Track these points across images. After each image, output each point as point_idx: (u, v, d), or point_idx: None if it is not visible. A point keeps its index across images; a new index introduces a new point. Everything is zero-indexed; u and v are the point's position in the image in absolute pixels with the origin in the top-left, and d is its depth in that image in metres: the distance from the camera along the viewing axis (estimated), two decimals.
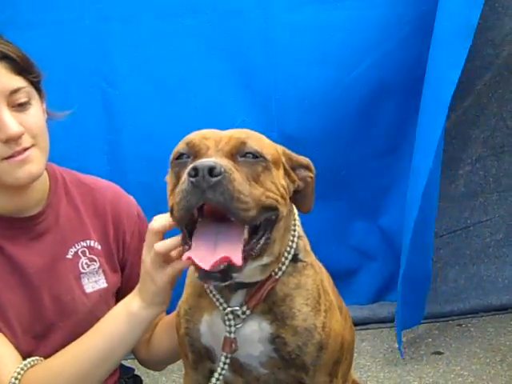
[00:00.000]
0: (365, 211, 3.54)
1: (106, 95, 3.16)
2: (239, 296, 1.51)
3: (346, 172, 3.45)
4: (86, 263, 1.74)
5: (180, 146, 1.40)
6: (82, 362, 1.58)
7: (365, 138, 3.42)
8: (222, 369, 1.52)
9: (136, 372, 2.03)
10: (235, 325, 1.49)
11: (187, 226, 1.36)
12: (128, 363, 2.05)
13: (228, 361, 1.51)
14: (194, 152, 1.37)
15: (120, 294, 1.82)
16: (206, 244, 1.30)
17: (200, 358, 1.61)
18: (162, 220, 1.48)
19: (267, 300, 1.51)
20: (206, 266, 1.26)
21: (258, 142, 1.38)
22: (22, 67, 1.57)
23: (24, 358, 1.62)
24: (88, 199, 1.78)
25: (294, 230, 1.53)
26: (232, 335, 1.49)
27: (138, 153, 3.14)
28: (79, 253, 1.74)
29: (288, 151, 1.49)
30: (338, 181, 3.44)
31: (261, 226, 1.36)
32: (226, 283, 1.32)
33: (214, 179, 1.24)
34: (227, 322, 1.50)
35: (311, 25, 3.24)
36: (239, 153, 1.34)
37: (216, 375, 1.53)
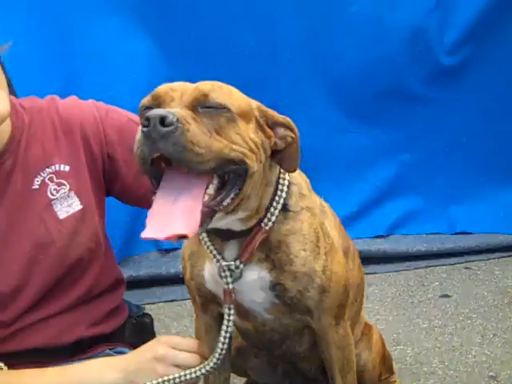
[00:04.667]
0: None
1: None
2: (232, 247, 1.44)
3: None
4: (55, 189, 1.62)
5: (146, 98, 1.30)
6: None
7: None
8: (228, 320, 1.47)
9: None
10: (232, 277, 1.42)
11: (156, 176, 1.27)
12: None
13: (232, 311, 1.46)
14: (157, 103, 1.27)
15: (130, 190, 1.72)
16: (164, 206, 1.23)
17: (207, 301, 1.56)
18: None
19: (262, 249, 1.43)
20: (161, 236, 1.20)
21: (223, 93, 1.28)
22: None
23: (8, 300, 1.57)
24: (47, 120, 1.65)
25: (282, 184, 1.43)
26: (230, 286, 1.43)
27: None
28: (46, 180, 1.62)
29: (264, 108, 1.36)
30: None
31: (229, 180, 1.27)
32: (184, 240, 1.28)
33: (165, 129, 1.17)
34: (223, 275, 1.43)
35: None
36: (200, 104, 1.24)
37: (224, 328, 1.48)
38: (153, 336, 1.91)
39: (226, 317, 1.47)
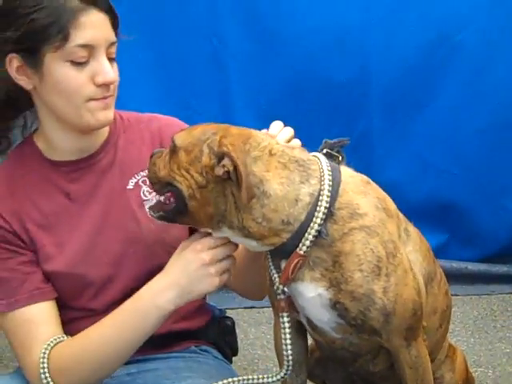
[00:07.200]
0: None
1: (216, 50, 3.21)
2: (283, 265, 1.47)
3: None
4: (148, 191, 1.69)
5: None
6: (107, 349, 1.56)
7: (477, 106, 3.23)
8: (284, 328, 1.50)
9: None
10: (283, 294, 1.47)
11: None
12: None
13: (286, 319, 1.50)
14: None
15: None
16: None
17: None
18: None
19: (316, 268, 1.44)
20: None
21: (186, 130, 1.49)
22: (117, 24, 1.61)
23: (99, 288, 1.65)
24: (146, 132, 1.76)
25: (318, 211, 1.40)
26: (281, 296, 1.48)
27: (246, 100, 3.18)
28: (140, 182, 1.70)
29: (217, 140, 1.40)
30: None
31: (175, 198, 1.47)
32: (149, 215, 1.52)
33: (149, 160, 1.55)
34: (276, 289, 1.48)
35: None
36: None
37: (282, 335, 1.51)
38: (235, 338, 1.93)
39: (281, 325, 1.50)
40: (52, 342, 1.57)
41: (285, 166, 1.41)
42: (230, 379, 1.55)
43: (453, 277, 3.17)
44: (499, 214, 3.37)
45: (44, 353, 1.55)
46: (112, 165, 1.70)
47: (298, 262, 1.42)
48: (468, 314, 3.05)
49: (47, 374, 1.54)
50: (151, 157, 1.52)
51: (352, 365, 1.62)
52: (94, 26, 1.54)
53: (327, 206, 1.41)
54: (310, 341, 1.68)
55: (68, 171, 1.67)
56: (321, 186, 1.42)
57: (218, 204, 1.41)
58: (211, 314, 1.86)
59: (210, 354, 1.78)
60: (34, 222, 1.63)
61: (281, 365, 1.60)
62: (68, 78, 1.55)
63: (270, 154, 1.42)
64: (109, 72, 1.56)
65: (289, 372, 1.53)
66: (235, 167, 1.36)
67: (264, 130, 1.52)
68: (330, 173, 1.44)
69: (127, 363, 1.66)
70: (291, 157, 1.43)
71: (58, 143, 1.66)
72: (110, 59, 1.59)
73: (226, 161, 1.37)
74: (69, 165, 1.67)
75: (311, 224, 1.40)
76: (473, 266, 3.37)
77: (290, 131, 1.54)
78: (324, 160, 1.47)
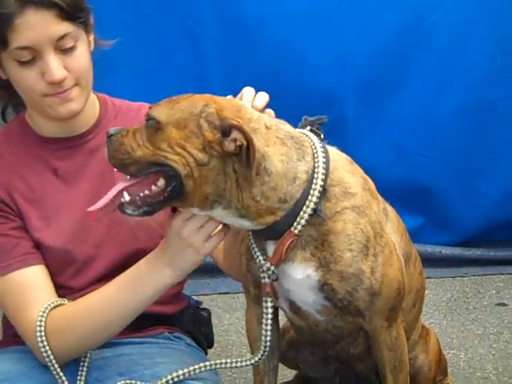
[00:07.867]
0: None
1: (192, 31, 3.19)
2: (271, 247, 1.45)
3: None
4: None
5: None
6: (101, 316, 1.57)
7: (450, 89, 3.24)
8: (267, 313, 1.48)
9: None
10: (269, 277, 1.45)
11: None
12: None
13: (269, 304, 1.48)
14: None
15: None
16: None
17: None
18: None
19: (307, 247, 1.43)
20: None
21: (165, 106, 1.39)
22: (70, 14, 1.56)
23: (81, 266, 1.65)
24: (136, 120, 1.74)
25: (313, 189, 1.39)
26: (267, 280, 1.46)
27: (223, 85, 3.08)
28: None
29: (214, 113, 1.34)
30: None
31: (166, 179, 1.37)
32: (126, 215, 1.42)
33: (107, 140, 1.42)
34: (261, 272, 1.46)
35: None
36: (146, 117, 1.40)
37: (264, 321, 1.50)
38: (210, 329, 1.94)
39: (264, 310, 1.48)
40: (52, 303, 1.58)
41: (283, 141, 1.39)
42: (202, 364, 1.56)
43: (427, 261, 3.19)
44: (473, 198, 3.39)
45: (42, 313, 1.56)
46: (101, 147, 1.66)
47: (292, 242, 1.41)
48: (441, 296, 3.07)
49: (43, 333, 1.54)
50: (109, 137, 1.43)
51: (333, 347, 1.63)
52: (30, 28, 1.52)
53: (322, 183, 1.40)
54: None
55: (56, 149, 1.70)
56: (314, 163, 1.40)
57: (218, 183, 1.36)
58: (187, 303, 1.87)
59: (183, 341, 1.79)
60: (21, 195, 1.66)
61: (253, 351, 1.61)
62: (19, 76, 1.58)
63: (266, 127, 1.38)
64: (54, 71, 1.55)
65: (264, 357, 1.53)
66: (247, 141, 1.31)
67: (229, 96, 1.47)
68: (323, 150, 1.43)
69: (101, 347, 1.67)
70: (286, 132, 1.41)
71: (41, 124, 1.70)
72: (66, 50, 1.57)
73: (236, 134, 1.32)
74: (57, 142, 1.70)
75: (307, 202, 1.39)
76: (447, 250, 3.40)
77: (265, 96, 1.50)
78: (314, 137, 1.46)
